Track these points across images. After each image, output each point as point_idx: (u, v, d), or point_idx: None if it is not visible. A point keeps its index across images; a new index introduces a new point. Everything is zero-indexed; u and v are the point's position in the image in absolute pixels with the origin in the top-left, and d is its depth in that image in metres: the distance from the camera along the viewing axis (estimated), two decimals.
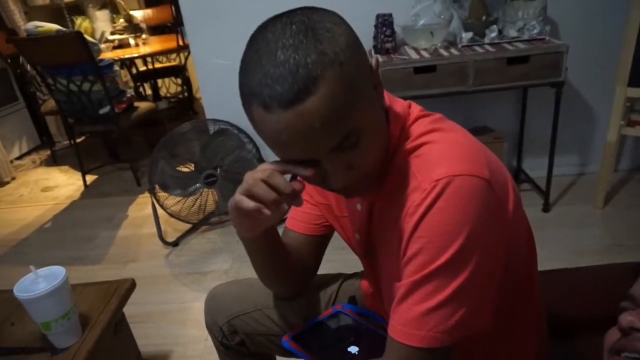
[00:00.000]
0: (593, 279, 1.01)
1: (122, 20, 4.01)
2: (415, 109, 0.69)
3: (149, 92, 4.40)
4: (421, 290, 0.57)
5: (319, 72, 0.52)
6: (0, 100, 3.48)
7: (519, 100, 2.29)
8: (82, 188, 3.04)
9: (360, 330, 0.89)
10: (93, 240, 2.40)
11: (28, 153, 3.76)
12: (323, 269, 0.97)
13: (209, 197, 2.31)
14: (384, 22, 1.96)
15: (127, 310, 1.25)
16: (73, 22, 3.95)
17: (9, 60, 3.38)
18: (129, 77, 4.10)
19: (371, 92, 0.59)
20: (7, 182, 3.26)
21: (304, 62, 0.51)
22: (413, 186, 0.60)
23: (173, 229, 2.37)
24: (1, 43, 3.18)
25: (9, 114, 3.56)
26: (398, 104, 0.68)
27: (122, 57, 3.27)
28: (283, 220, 0.86)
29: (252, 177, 0.64)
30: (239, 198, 0.65)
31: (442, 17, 1.98)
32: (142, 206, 2.68)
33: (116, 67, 2.88)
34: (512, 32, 1.94)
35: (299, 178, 0.63)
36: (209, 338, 1.01)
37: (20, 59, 3.26)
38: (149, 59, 4.23)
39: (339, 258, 1.21)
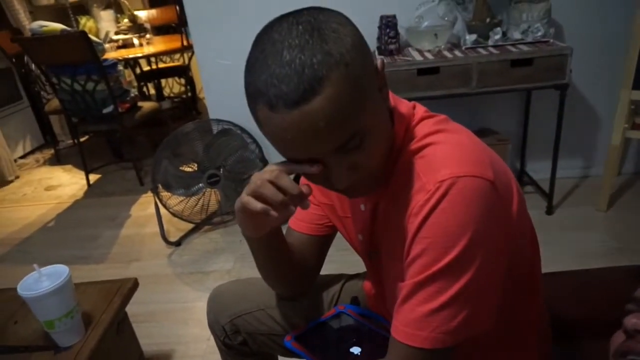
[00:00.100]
0: (597, 282, 1.01)
1: (126, 20, 4.02)
2: (420, 110, 0.69)
3: (152, 92, 4.41)
4: (424, 291, 0.57)
5: (325, 72, 0.52)
6: (4, 100, 3.50)
7: (522, 103, 2.28)
8: (86, 187, 3.05)
9: (363, 331, 0.89)
10: (96, 239, 2.40)
11: (32, 152, 3.78)
12: (326, 270, 0.97)
13: (211, 197, 2.31)
14: (388, 24, 1.96)
15: (129, 309, 1.25)
16: (77, 22, 3.96)
17: (14, 60, 3.39)
18: (132, 76, 4.12)
19: (376, 92, 0.59)
20: (11, 181, 3.27)
21: (310, 62, 0.52)
22: (417, 187, 0.60)
23: (176, 228, 2.38)
24: (6, 42, 3.19)
25: (13, 113, 3.58)
26: (403, 105, 0.68)
27: (126, 56, 3.29)
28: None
29: (260, 178, 0.64)
30: (247, 199, 0.65)
31: (446, 19, 1.98)
32: (145, 206, 2.69)
33: (120, 67, 2.89)
34: (516, 35, 1.94)
35: (306, 182, 0.63)
36: (212, 337, 1.01)
37: (25, 58, 3.28)
38: (152, 59, 4.24)
39: (341, 259, 1.21)
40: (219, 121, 2.28)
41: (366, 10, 2.01)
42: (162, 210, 2.27)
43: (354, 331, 0.89)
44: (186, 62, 4.04)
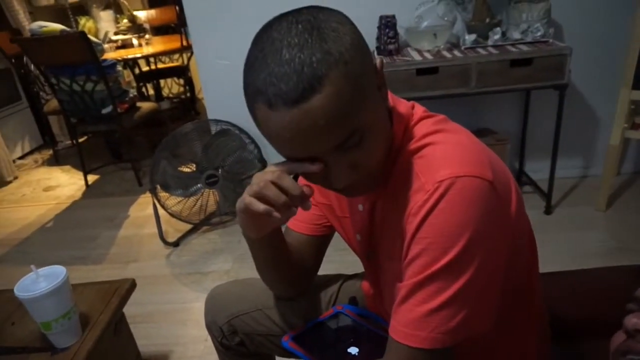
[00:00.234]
0: (597, 282, 1.01)
1: (125, 20, 4.02)
2: (419, 109, 0.69)
3: (151, 92, 4.41)
4: (423, 291, 0.57)
5: (324, 71, 0.52)
6: (3, 100, 3.49)
7: (522, 103, 2.28)
8: (84, 188, 3.04)
9: (361, 331, 0.89)
10: (94, 240, 2.40)
11: (30, 152, 3.77)
12: (324, 270, 0.96)
13: (210, 198, 2.31)
14: (387, 24, 1.96)
15: (127, 310, 1.25)
16: (77, 22, 3.96)
17: (13, 60, 3.39)
18: (131, 77, 4.12)
19: (375, 91, 0.59)
20: (10, 182, 3.27)
21: (309, 61, 0.51)
22: (416, 187, 0.60)
23: (174, 229, 2.37)
24: (5, 43, 3.19)
25: (12, 114, 3.57)
26: (402, 105, 0.68)
27: (125, 57, 3.28)
28: None
29: (262, 179, 0.63)
30: (249, 200, 0.65)
31: (445, 19, 1.97)
32: (143, 206, 2.68)
33: (119, 67, 2.89)
34: (516, 35, 1.93)
35: (307, 183, 0.62)
36: (209, 338, 1.00)
37: (24, 58, 3.27)
38: (151, 59, 4.24)
39: (339, 259, 1.21)
40: (217, 121, 2.28)
41: (365, 10, 2.01)
42: (161, 210, 2.27)
43: (351, 331, 0.89)
44: (185, 62, 4.04)
